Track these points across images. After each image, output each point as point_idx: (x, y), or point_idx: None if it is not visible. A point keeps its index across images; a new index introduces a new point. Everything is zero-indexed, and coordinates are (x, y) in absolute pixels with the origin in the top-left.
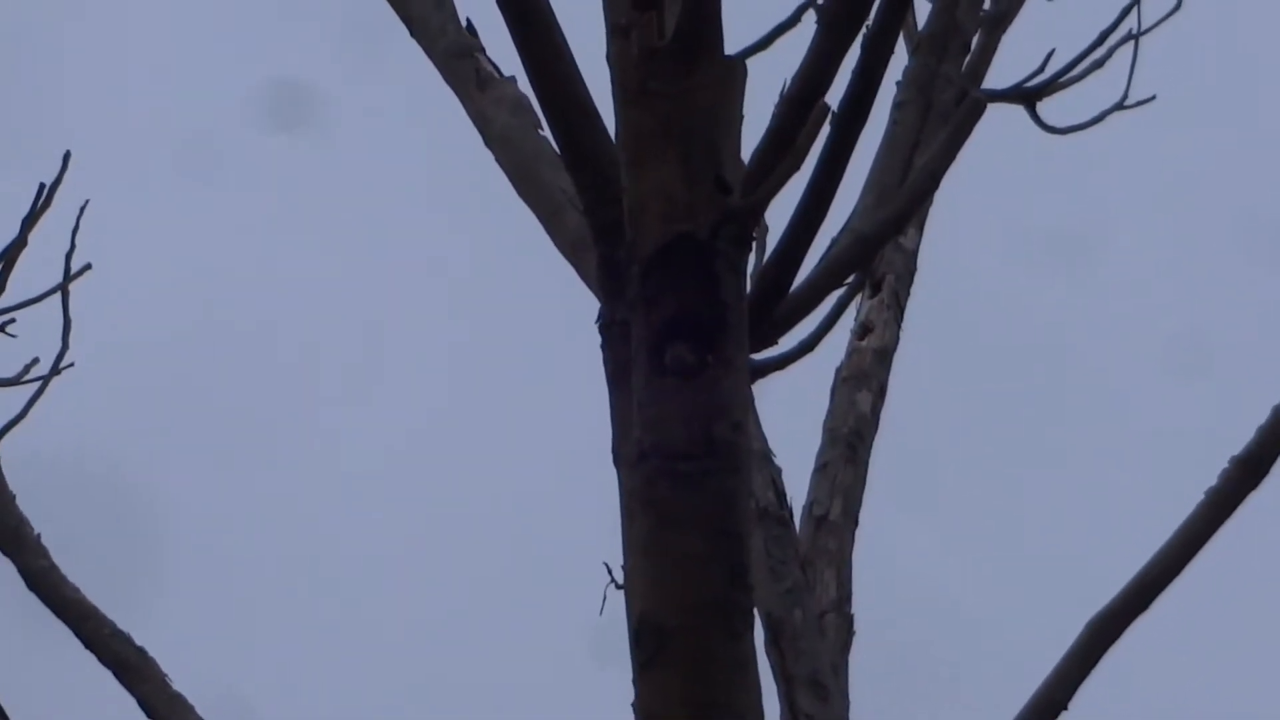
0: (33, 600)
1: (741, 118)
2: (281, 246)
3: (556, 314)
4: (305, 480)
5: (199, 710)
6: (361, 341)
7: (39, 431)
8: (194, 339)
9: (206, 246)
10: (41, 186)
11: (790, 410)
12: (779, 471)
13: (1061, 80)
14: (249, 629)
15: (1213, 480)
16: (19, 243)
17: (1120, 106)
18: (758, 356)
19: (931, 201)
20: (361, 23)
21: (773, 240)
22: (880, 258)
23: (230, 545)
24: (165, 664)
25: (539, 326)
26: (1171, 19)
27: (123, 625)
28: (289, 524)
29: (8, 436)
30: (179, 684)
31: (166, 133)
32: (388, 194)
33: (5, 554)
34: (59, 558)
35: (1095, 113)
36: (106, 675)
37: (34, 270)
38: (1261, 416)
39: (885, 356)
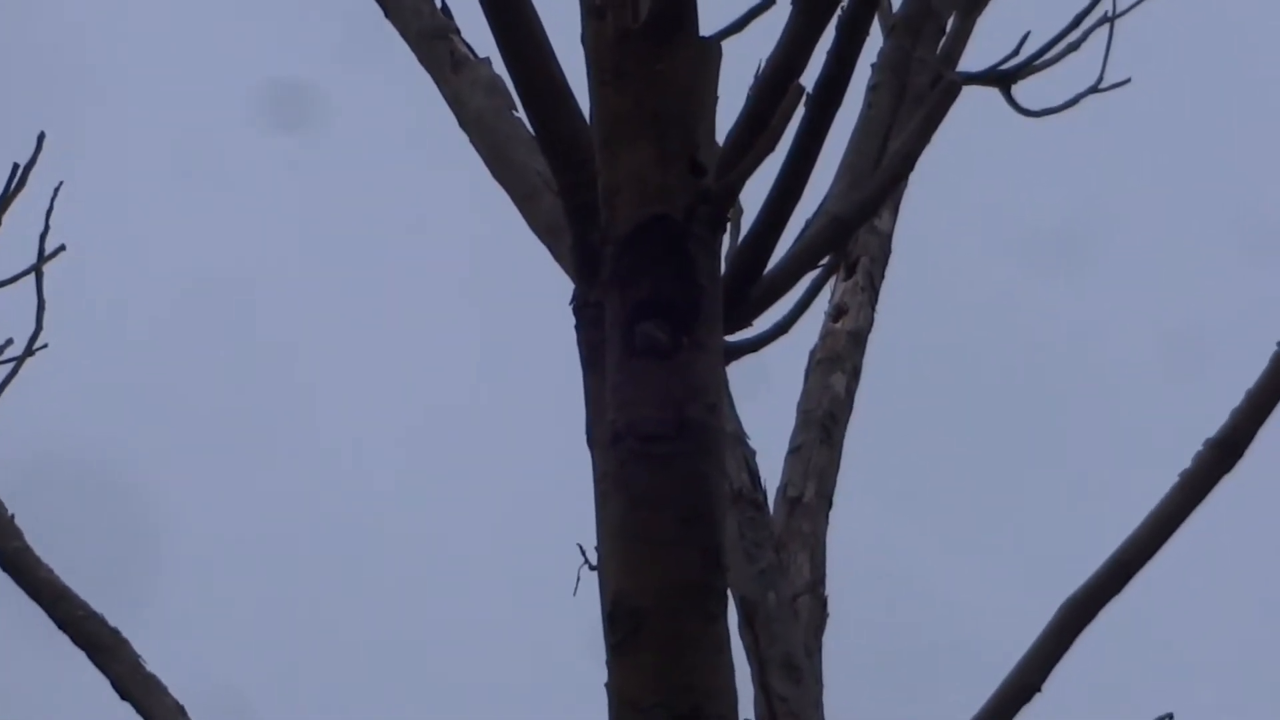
0: (5, 581)
1: (716, 100)
2: (278, 244)
3: (531, 296)
4: (295, 470)
5: (187, 701)
6: (355, 333)
7: (15, 417)
8: (190, 332)
9: (204, 243)
10: (15, 167)
11: (764, 392)
12: (753, 453)
13: (1037, 63)
14: (243, 622)
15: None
16: None
17: (1095, 89)
18: (732, 338)
19: (906, 184)
20: (361, 22)
21: (748, 222)
22: (855, 240)
23: (219, 534)
24: (157, 657)
25: (514, 309)
26: (1146, 2)
27: (106, 612)
28: (279, 514)
29: None
30: (170, 675)
31: (165, 129)
32: (384, 192)
33: None
34: (39, 544)
35: (1071, 96)
36: (80, 657)
37: (8, 252)
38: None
39: (859, 339)
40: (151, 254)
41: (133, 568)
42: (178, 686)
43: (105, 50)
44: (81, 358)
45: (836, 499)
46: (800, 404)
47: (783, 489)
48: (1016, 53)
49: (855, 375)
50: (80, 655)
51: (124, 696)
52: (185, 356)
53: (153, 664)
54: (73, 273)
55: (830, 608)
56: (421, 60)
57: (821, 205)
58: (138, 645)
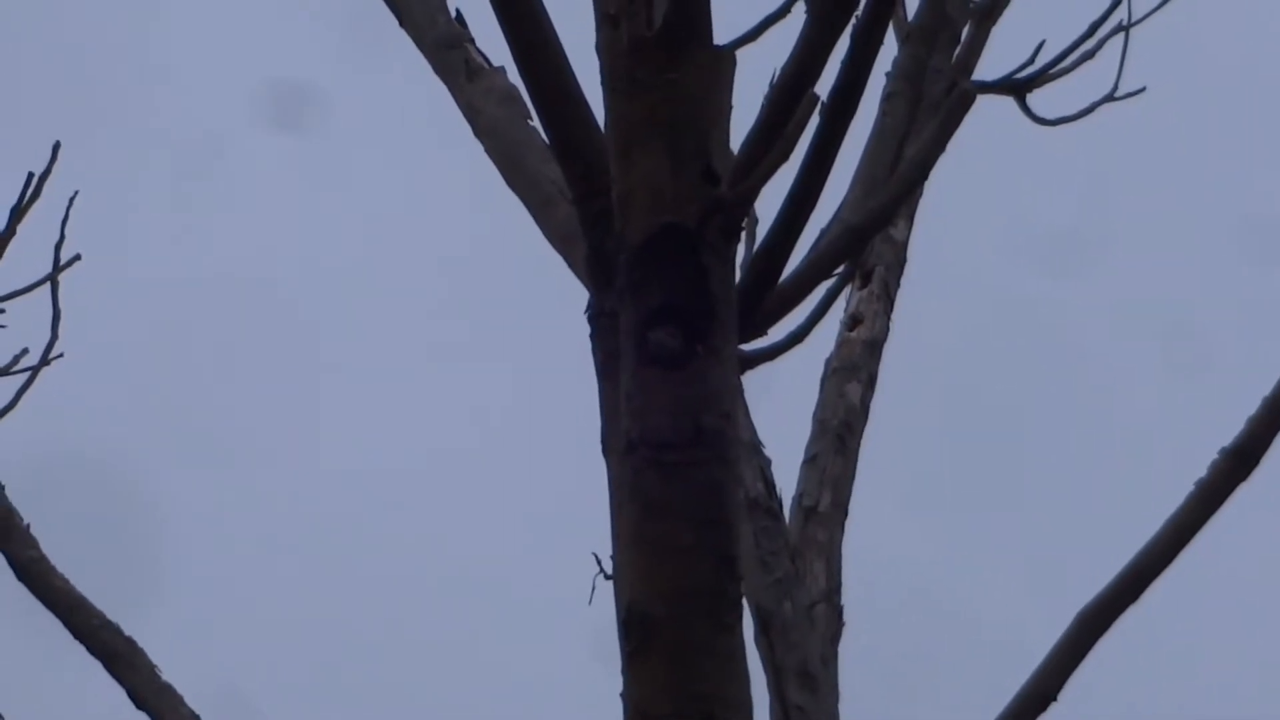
0: (21, 591)
1: (730, 108)
2: (287, 247)
3: (546, 305)
4: (300, 476)
5: (193, 704)
6: (367, 338)
7: (31, 426)
8: (202, 340)
9: (215, 249)
10: (30, 176)
11: (780, 401)
12: (768, 462)
13: (1051, 72)
14: (251, 626)
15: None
16: (8, 233)
17: (1110, 98)
18: (747, 347)
19: (921, 193)
20: (362, 21)
21: (762, 231)
22: (870, 249)
23: (230, 538)
24: (165, 660)
25: (529, 317)
26: (1161, 10)
27: (119, 619)
28: (291, 521)
29: None
30: (177, 678)
31: (167, 130)
32: (392, 193)
33: None
34: (55, 552)
35: (1085, 105)
36: (95, 667)
37: (23, 261)
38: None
39: (875, 348)
40: (164, 262)
41: (146, 574)
42: (184, 689)
43: (110, 55)
44: (97, 367)
45: (852, 508)
46: (816, 413)
47: (798, 498)
48: (1032, 61)
49: (871, 384)
50: (95, 664)
51: (139, 706)
52: (198, 364)
53: (161, 666)
54: (88, 282)
55: (846, 617)
56: (436, 69)
57: (836, 214)
58: (146, 648)
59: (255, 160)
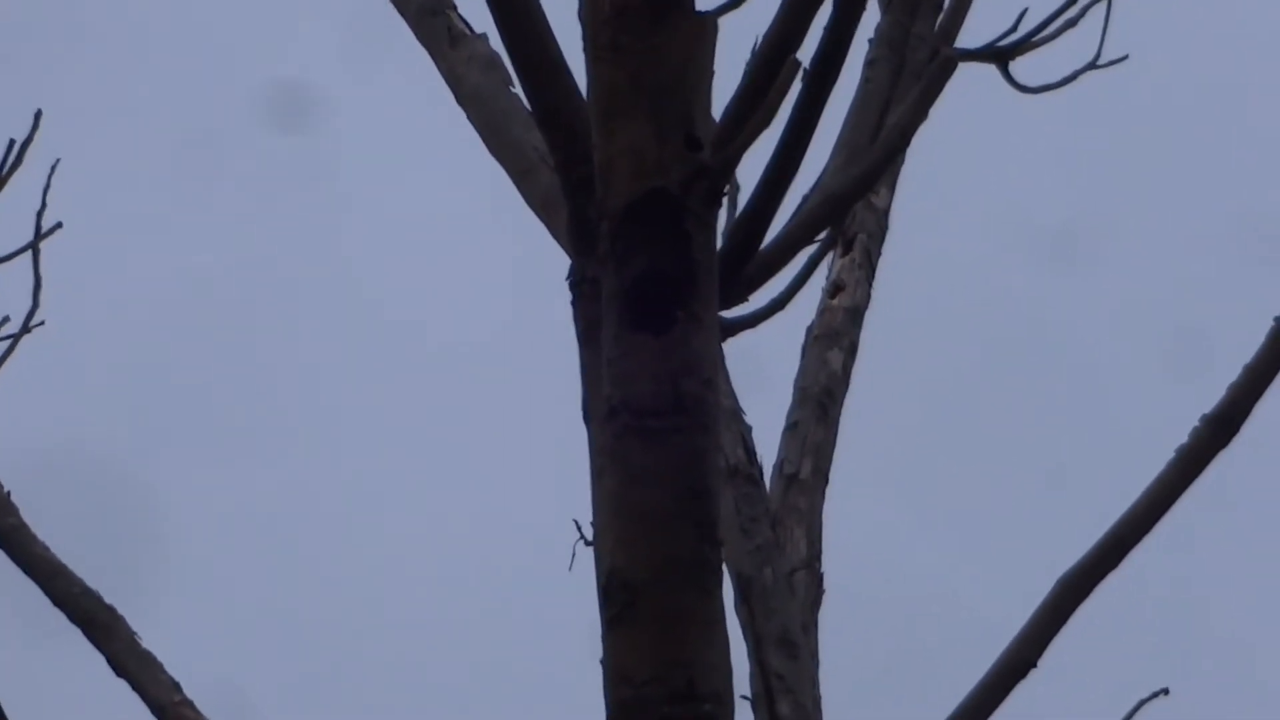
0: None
1: (713, 74)
2: (276, 239)
3: (528, 272)
4: (294, 469)
5: (195, 699)
6: (350, 318)
7: (16, 396)
8: (188, 318)
9: (198, 235)
10: (11, 143)
11: (761, 369)
12: (749, 429)
13: (1034, 40)
14: (244, 617)
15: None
16: None
17: (1093, 66)
18: (728, 314)
19: (903, 161)
20: (364, 21)
21: (744, 198)
22: (852, 217)
23: (213, 515)
24: (155, 649)
25: (510, 286)
26: None
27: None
28: (273, 497)
29: None
30: (174, 671)
31: (164, 120)
32: (380, 190)
33: None
34: (36, 528)
35: (1068, 72)
36: (74, 636)
37: (5, 229)
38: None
39: (856, 315)
40: (149, 239)
41: (128, 547)
42: (177, 678)
43: (106, 44)
44: (78, 336)
45: (832, 475)
46: (797, 380)
47: (779, 465)
48: (1014, 29)
49: (852, 352)
50: (74, 632)
51: (119, 673)
52: (184, 343)
53: (156, 661)
54: (70, 251)
55: (826, 584)
56: (419, 36)
57: (818, 181)
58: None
59: (254, 158)
